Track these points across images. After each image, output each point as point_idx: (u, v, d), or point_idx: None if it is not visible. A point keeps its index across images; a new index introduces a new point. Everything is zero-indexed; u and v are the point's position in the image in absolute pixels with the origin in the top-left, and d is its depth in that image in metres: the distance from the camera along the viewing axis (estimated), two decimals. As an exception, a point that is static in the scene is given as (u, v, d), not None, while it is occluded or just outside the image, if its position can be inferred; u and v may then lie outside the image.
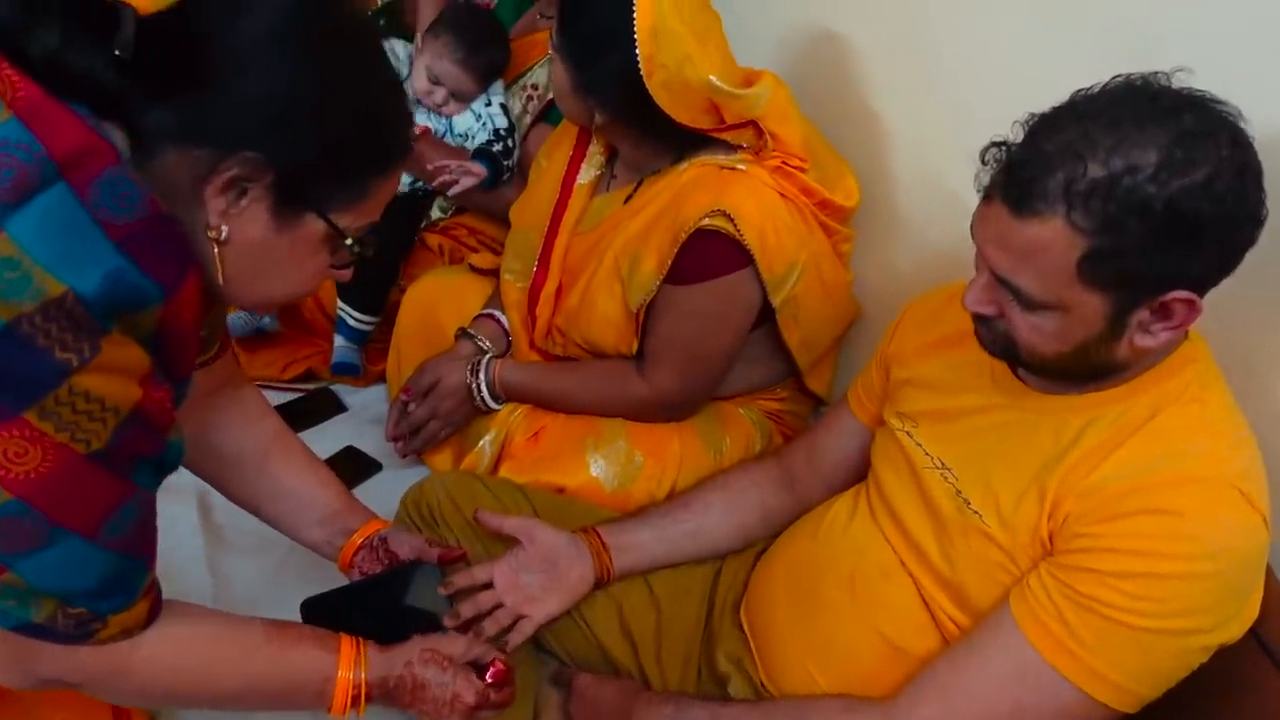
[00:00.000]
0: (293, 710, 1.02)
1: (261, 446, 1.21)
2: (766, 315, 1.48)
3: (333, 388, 1.96)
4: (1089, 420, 0.98)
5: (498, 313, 1.67)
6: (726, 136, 1.42)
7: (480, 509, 1.27)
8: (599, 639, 1.31)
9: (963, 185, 1.01)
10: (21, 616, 0.80)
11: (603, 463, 1.52)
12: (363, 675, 1.01)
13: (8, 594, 0.79)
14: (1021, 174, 0.86)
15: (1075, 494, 0.96)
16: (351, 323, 1.93)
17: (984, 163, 0.91)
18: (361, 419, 1.90)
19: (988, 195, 0.91)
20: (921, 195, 1.56)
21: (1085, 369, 0.96)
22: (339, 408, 1.92)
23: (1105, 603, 0.91)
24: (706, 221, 1.36)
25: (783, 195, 1.41)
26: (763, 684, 1.19)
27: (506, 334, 1.67)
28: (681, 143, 1.45)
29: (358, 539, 1.22)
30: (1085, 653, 0.92)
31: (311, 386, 1.96)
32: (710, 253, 1.38)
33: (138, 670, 0.89)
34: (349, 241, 0.88)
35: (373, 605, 1.15)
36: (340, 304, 1.93)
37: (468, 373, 1.60)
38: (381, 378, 1.93)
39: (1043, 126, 0.89)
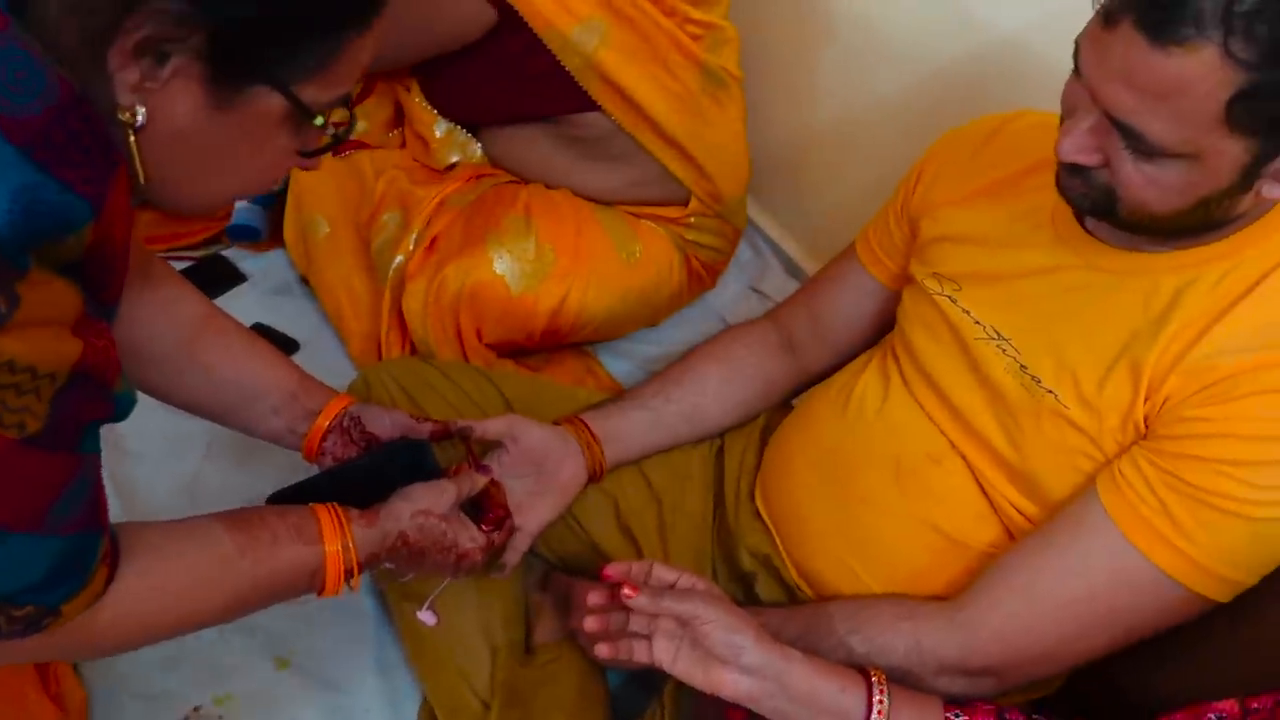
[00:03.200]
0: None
1: (186, 334, 0.99)
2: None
3: (225, 253, 1.69)
4: (1187, 282, 0.85)
5: None
6: None
7: (456, 419, 1.08)
8: (595, 540, 1.16)
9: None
10: None
11: (507, 258, 1.37)
12: (353, 555, 0.87)
13: None
14: None
15: (1178, 371, 0.83)
16: None
17: None
18: (263, 289, 1.64)
19: (1111, 17, 0.73)
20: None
21: (1195, 226, 0.82)
22: (236, 276, 1.66)
23: (1220, 493, 0.80)
24: None
25: None
26: (797, 585, 1.07)
27: None
28: None
29: (323, 421, 1.03)
30: (1193, 548, 0.82)
31: (199, 254, 1.67)
32: None
33: (105, 636, 0.74)
34: (319, 121, 0.66)
35: (356, 496, 0.97)
36: None
37: None
38: (280, 240, 1.66)
39: None
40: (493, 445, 1.10)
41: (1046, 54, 1.21)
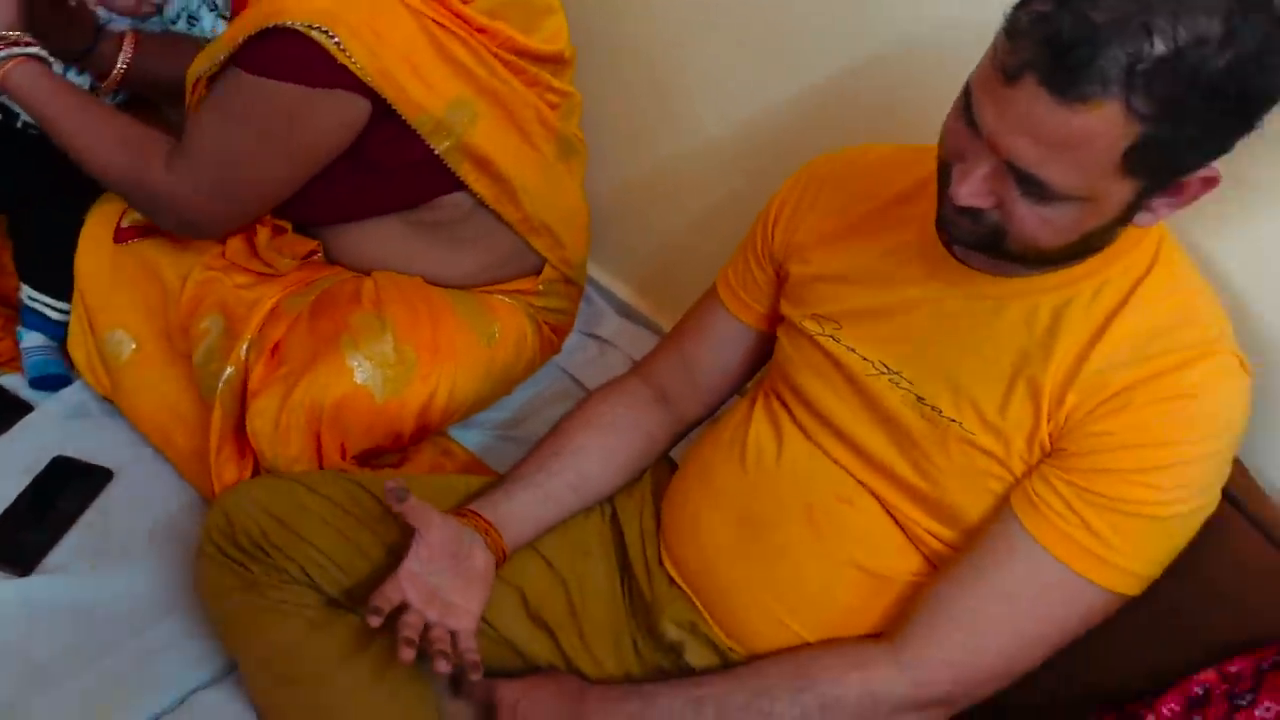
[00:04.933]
0: None
1: None
2: (452, 179, 1.28)
3: (1, 381, 1.49)
4: (1064, 301, 0.90)
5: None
6: None
7: (393, 481, 1.00)
8: (507, 636, 1.11)
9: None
10: None
11: (368, 366, 1.27)
12: None
13: None
14: (1071, 51, 0.71)
15: (1074, 389, 0.88)
16: (50, 314, 1.47)
17: (1011, 36, 0.75)
18: (56, 416, 1.46)
19: (1013, 75, 0.75)
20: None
21: (1073, 256, 0.87)
22: (20, 405, 1.47)
23: (1133, 500, 0.86)
24: (301, 27, 1.12)
25: (435, 22, 1.20)
26: (729, 647, 1.05)
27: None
28: None
29: None
30: (1114, 555, 0.87)
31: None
32: (291, 53, 1.14)
33: None
34: None
35: None
36: (26, 291, 1.45)
37: None
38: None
39: None
40: (396, 538, 1.03)
41: (860, 99, 1.27)
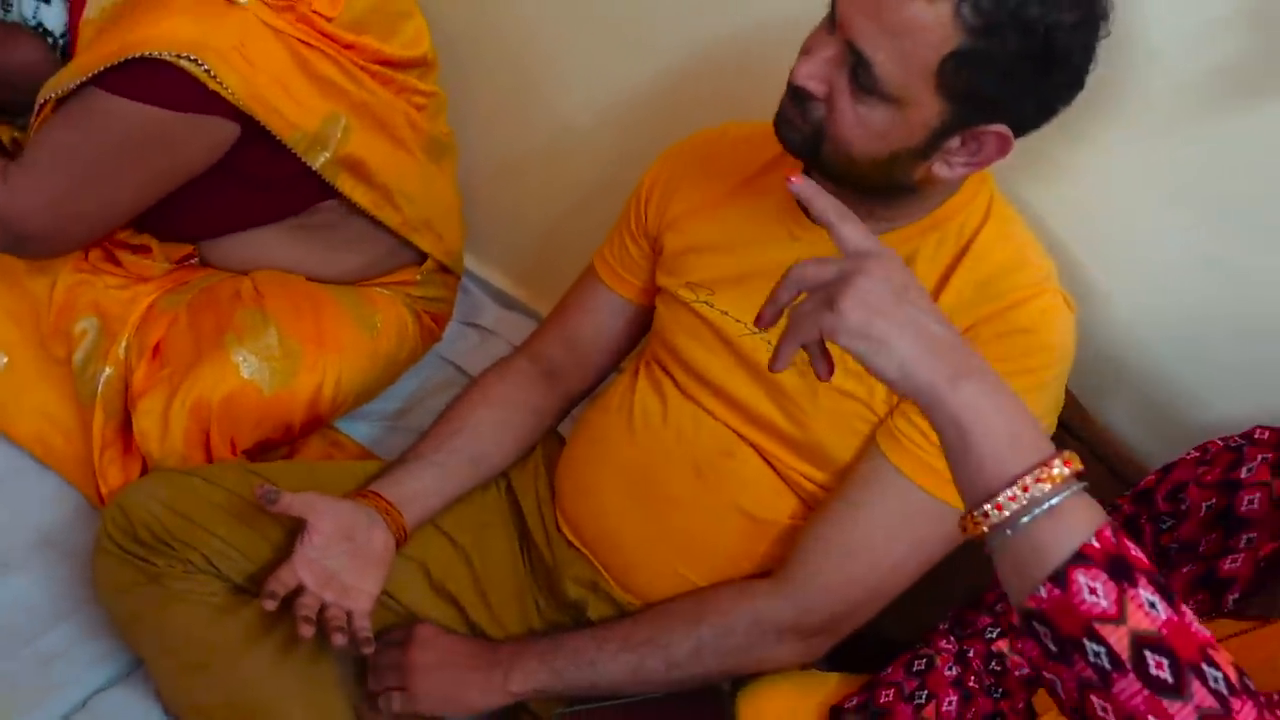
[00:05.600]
0: None
1: None
2: (327, 187, 1.30)
3: None
4: (909, 254, 1.00)
5: None
6: None
7: (262, 485, 1.03)
8: (413, 611, 1.14)
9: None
10: None
11: (254, 360, 1.28)
12: None
13: None
14: None
15: (924, 331, 0.97)
16: None
17: None
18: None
19: None
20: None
21: (879, 180, 0.94)
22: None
23: (981, 427, 0.95)
24: (170, 58, 1.12)
25: (301, 41, 1.22)
26: (627, 602, 1.12)
27: None
28: None
29: None
30: (967, 477, 0.96)
31: None
32: (159, 81, 1.14)
33: None
34: None
35: None
36: None
37: None
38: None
39: None
40: (296, 522, 1.05)
41: (718, 80, 1.35)
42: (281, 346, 1.30)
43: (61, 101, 1.19)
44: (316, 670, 1.08)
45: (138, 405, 1.26)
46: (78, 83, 1.16)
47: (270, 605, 0.99)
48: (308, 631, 0.98)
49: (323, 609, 1.01)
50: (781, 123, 0.95)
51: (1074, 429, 1.09)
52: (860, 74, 0.87)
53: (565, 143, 1.57)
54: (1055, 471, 0.62)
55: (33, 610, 1.23)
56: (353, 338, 1.38)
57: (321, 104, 1.24)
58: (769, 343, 1.05)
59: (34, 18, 1.41)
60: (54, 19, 1.40)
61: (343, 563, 1.05)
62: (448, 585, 1.15)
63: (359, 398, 1.43)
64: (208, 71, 1.13)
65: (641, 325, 1.24)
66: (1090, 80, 0.89)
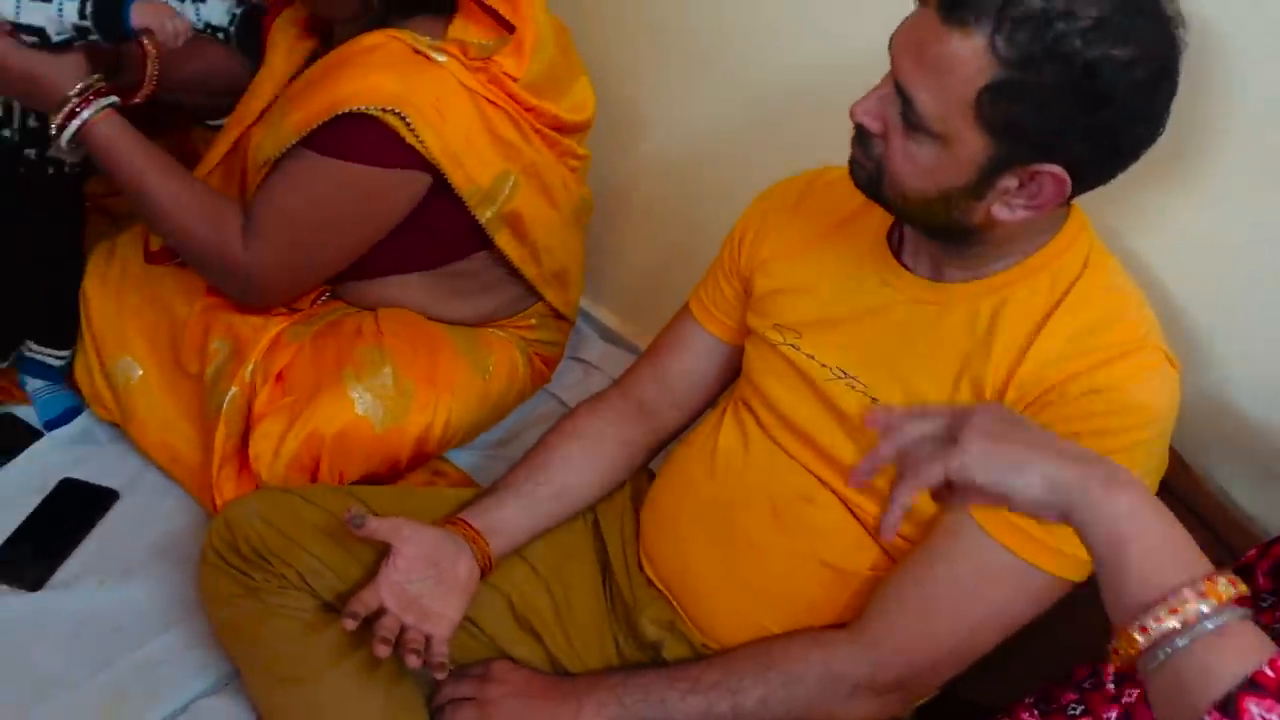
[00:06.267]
0: None
1: None
2: (480, 239, 1.36)
3: (14, 409, 1.56)
4: (1000, 303, 0.97)
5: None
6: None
7: (350, 509, 1.07)
8: (496, 641, 1.16)
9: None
10: None
11: (369, 398, 1.33)
12: None
13: None
14: None
15: (1013, 385, 0.95)
16: (51, 362, 1.53)
17: None
18: (62, 442, 1.52)
19: (923, 1, 0.87)
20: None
21: (941, 221, 0.93)
22: (32, 433, 1.53)
23: (1068, 488, 0.92)
24: (375, 111, 1.19)
25: (489, 101, 1.27)
26: (704, 644, 1.11)
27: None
28: (389, 6, 1.26)
29: None
30: (1054, 540, 0.93)
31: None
32: (365, 137, 1.21)
33: None
34: None
35: None
36: (30, 346, 1.52)
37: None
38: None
39: None
40: (382, 546, 1.09)
41: (814, 121, 1.34)
42: (396, 385, 1.35)
43: (279, 161, 1.27)
44: (399, 690, 1.11)
45: (257, 428, 1.32)
46: (291, 144, 1.24)
47: (350, 625, 1.03)
48: (383, 651, 1.01)
49: (402, 631, 1.04)
50: (851, 160, 0.96)
51: (1178, 491, 1.04)
52: (908, 112, 0.87)
53: (666, 181, 1.58)
54: (1220, 589, 0.59)
55: (145, 615, 1.30)
56: (465, 380, 1.42)
57: (498, 162, 1.29)
58: (853, 388, 1.03)
59: (199, 20, 1.43)
60: (217, 14, 1.43)
61: (426, 587, 1.08)
62: (530, 617, 1.17)
63: (466, 436, 1.48)
64: (408, 125, 1.19)
65: (734, 365, 1.24)
66: (1206, 131, 0.86)
